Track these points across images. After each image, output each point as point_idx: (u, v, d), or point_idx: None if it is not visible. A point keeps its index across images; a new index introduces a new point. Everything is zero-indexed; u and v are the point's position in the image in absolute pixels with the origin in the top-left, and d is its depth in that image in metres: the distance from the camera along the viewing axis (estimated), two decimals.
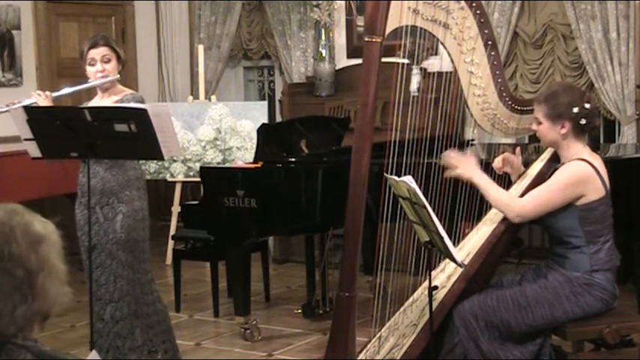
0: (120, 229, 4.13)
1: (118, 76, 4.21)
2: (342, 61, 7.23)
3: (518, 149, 3.94)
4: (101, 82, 4.19)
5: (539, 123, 3.57)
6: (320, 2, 7.11)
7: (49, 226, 1.76)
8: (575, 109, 3.50)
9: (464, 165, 3.67)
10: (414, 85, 6.27)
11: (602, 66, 6.09)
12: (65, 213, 4.29)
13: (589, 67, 6.15)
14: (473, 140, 5.74)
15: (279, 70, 7.97)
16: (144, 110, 3.75)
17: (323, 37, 7.16)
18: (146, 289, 4.25)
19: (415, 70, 6.24)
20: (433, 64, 6.10)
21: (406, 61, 3.95)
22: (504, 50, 6.46)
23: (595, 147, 3.71)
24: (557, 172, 3.55)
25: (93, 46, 4.18)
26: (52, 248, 1.74)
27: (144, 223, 4.23)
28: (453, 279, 3.67)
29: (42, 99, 4.12)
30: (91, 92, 4.50)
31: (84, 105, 4.16)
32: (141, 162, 4.47)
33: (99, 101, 4.26)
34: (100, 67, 4.16)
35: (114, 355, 4.17)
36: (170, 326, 4.39)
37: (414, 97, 4.70)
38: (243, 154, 6.83)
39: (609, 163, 3.59)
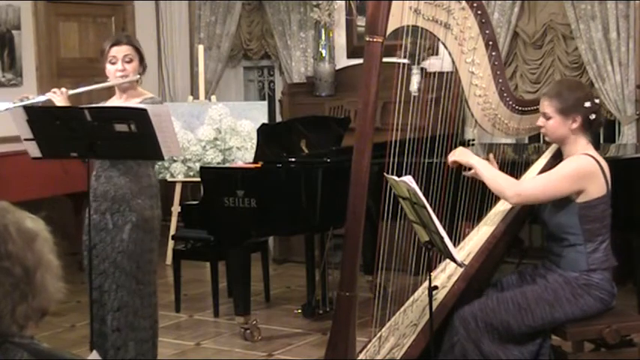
0: (128, 238, 3.99)
1: (138, 76, 4.11)
2: (342, 61, 7.22)
3: (491, 155, 3.93)
4: (119, 82, 4.08)
5: (549, 118, 3.57)
6: (320, 2, 7.11)
7: (39, 223, 1.76)
8: (587, 104, 3.53)
9: (460, 153, 3.72)
10: (414, 85, 6.26)
11: (602, 66, 6.09)
12: (65, 213, 4.30)
13: (589, 67, 6.15)
14: (473, 140, 5.73)
15: (279, 70, 7.96)
16: (144, 110, 3.73)
17: (323, 37, 7.16)
18: (146, 301, 4.08)
19: (415, 70, 6.24)
20: (433, 64, 6.10)
21: (406, 61, 3.95)
22: (504, 50, 6.45)
23: (595, 146, 3.71)
24: (561, 163, 3.56)
25: (116, 43, 4.07)
26: (45, 244, 1.74)
27: (152, 234, 4.08)
28: (454, 279, 3.67)
29: (57, 96, 4.03)
30: (110, 92, 4.37)
31: (101, 104, 4.08)
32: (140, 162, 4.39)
33: (116, 102, 4.15)
34: (120, 66, 4.06)
35: None
36: (156, 343, 4.22)
37: (414, 97, 4.70)
38: (243, 154, 6.82)
39: (609, 163, 3.59)
